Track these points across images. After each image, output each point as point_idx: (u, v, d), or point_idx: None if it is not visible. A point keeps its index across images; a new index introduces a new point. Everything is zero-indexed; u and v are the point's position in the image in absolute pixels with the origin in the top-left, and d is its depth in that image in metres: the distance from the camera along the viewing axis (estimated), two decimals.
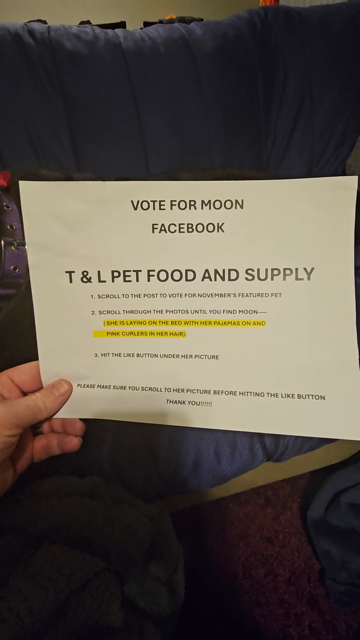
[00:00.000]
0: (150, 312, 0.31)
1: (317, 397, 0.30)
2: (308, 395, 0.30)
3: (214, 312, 0.31)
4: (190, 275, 0.31)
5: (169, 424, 0.32)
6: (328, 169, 1.03)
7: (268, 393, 0.30)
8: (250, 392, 0.31)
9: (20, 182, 0.30)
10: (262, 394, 0.31)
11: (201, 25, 0.89)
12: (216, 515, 0.81)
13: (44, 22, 0.94)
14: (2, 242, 0.34)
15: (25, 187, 0.30)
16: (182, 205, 0.30)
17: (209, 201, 0.30)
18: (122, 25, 2.14)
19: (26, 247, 0.31)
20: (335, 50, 0.95)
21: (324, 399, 0.30)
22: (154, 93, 0.84)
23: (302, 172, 1.01)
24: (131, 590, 0.46)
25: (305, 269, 0.30)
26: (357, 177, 0.29)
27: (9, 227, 0.35)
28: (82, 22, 2.46)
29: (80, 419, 0.33)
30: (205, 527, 0.79)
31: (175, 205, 0.30)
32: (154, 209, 0.30)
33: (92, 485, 0.40)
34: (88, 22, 2.45)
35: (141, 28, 2.17)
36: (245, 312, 0.30)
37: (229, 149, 0.93)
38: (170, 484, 0.46)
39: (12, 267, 0.35)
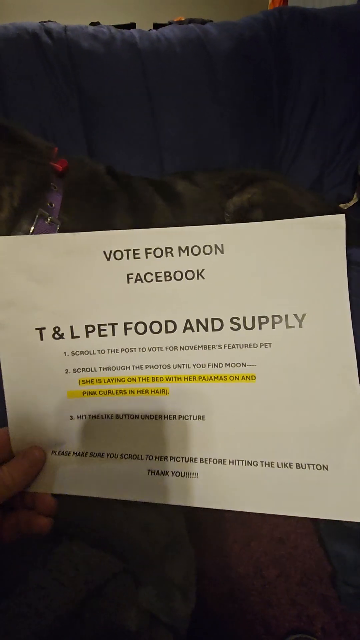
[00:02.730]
0: (128, 368, 0.29)
1: (318, 467, 0.26)
2: (308, 464, 0.26)
3: (198, 366, 0.28)
4: (170, 326, 0.28)
5: (150, 500, 0.28)
6: (340, 170, 1.03)
7: (262, 462, 0.27)
8: (242, 461, 0.27)
9: None
10: (254, 463, 0.27)
11: (217, 26, 0.90)
12: (227, 515, 0.80)
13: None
14: (38, 213, 0.35)
15: None
16: (158, 252, 0.28)
17: (187, 247, 0.28)
18: (132, 26, 2.15)
19: None
20: (351, 51, 0.96)
21: (327, 469, 0.26)
22: (169, 93, 0.85)
23: (315, 173, 1.01)
24: (147, 593, 0.46)
25: (296, 315, 0.27)
26: (344, 215, 0.27)
27: (48, 204, 0.35)
28: (91, 24, 2.47)
29: (53, 495, 0.29)
30: (216, 527, 0.79)
31: (150, 253, 0.28)
32: (127, 258, 0.28)
33: None
34: (97, 24, 2.46)
35: (150, 30, 2.18)
36: (233, 365, 0.28)
37: (243, 149, 0.94)
38: None
39: None
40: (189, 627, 0.59)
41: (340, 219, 0.27)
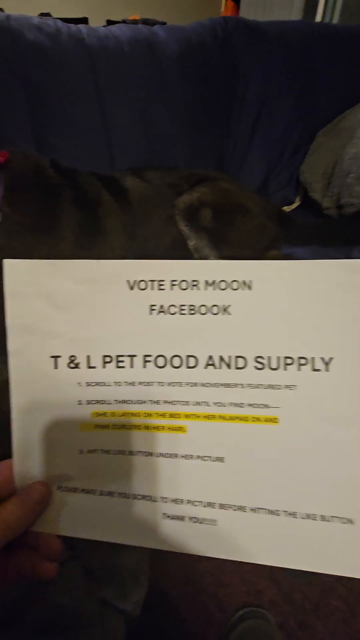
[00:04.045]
0: (145, 402, 0.28)
1: (344, 521, 0.25)
2: (333, 517, 0.25)
3: (219, 404, 0.27)
4: (191, 361, 0.27)
5: (164, 548, 0.26)
6: (284, 175, 1.10)
7: (284, 511, 0.25)
8: (263, 509, 0.26)
9: (5, 261, 0.28)
10: (277, 512, 0.25)
11: (165, 29, 0.92)
12: None
13: (1, 10, 0.91)
14: None
15: (11, 266, 0.28)
16: (184, 285, 0.27)
17: (214, 281, 0.27)
18: (84, 21, 2.11)
19: (7, 330, 0.28)
20: (292, 63, 1.03)
21: (352, 523, 0.25)
22: (118, 91, 0.85)
23: (261, 176, 1.07)
24: (96, 579, 0.47)
25: (322, 358, 0.26)
26: None
27: None
28: (42, 14, 2.39)
29: (59, 536, 0.27)
30: None
31: (176, 285, 0.27)
32: (152, 289, 0.28)
33: None
34: (48, 15, 2.38)
35: (104, 26, 2.16)
36: (255, 405, 0.27)
37: (194, 150, 0.97)
38: None
39: None
40: (143, 611, 0.60)
41: None
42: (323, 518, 0.25)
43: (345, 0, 2.12)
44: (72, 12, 2.23)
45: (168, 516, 0.26)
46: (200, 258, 0.74)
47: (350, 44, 1.09)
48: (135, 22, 2.19)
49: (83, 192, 0.58)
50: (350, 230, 0.86)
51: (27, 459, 0.28)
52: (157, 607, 0.68)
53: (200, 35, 0.92)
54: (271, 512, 0.26)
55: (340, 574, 0.25)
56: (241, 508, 0.26)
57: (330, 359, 0.26)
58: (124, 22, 2.19)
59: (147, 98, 0.88)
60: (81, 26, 0.87)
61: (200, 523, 0.26)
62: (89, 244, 0.56)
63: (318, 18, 2.14)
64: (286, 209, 1.11)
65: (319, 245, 0.85)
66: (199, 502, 0.26)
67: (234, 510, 0.26)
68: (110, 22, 2.20)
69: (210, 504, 0.26)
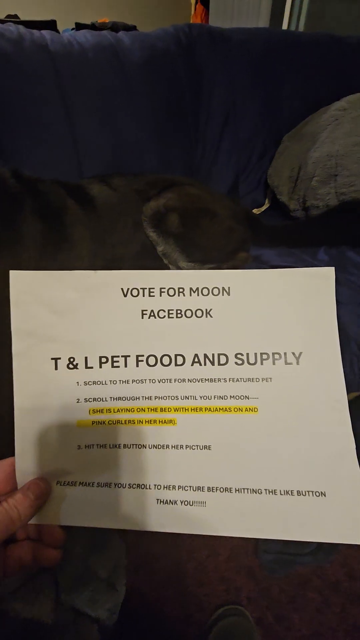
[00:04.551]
0: (138, 398, 0.30)
1: (317, 494, 0.28)
2: (308, 491, 0.28)
3: (205, 397, 0.30)
4: (179, 360, 0.30)
5: (160, 530, 0.29)
6: (253, 178, 1.12)
7: (266, 490, 0.28)
8: (247, 489, 0.29)
9: (11, 272, 0.30)
10: (259, 491, 0.28)
11: (129, 36, 0.92)
12: None
13: None
14: None
15: (16, 277, 0.30)
16: (172, 292, 0.31)
17: (197, 288, 0.31)
18: (52, 24, 2.09)
19: (12, 335, 0.30)
20: (256, 69, 1.05)
21: (324, 495, 0.28)
22: (84, 97, 0.85)
23: (230, 180, 1.09)
24: (67, 588, 0.47)
25: (293, 353, 0.30)
26: (333, 267, 0.31)
27: None
28: (8, 15, 2.33)
29: (60, 526, 0.29)
30: None
31: (164, 292, 0.31)
32: (143, 295, 0.31)
33: None
34: (15, 16, 2.34)
35: (73, 28, 2.14)
36: (237, 397, 0.30)
37: (162, 156, 0.98)
38: None
39: None
40: (122, 615, 0.60)
41: (330, 271, 0.31)
42: (300, 493, 0.28)
43: (309, 7, 2.18)
44: (40, 15, 2.19)
45: (161, 501, 0.29)
46: (169, 263, 0.75)
47: (311, 51, 1.12)
48: (104, 25, 2.18)
49: (46, 202, 0.58)
50: (315, 231, 0.89)
51: (28, 456, 0.30)
52: (136, 611, 0.68)
53: (164, 42, 0.93)
54: (254, 491, 0.29)
55: (317, 541, 0.28)
56: (227, 489, 0.29)
57: (300, 353, 0.30)
58: (93, 25, 2.19)
59: (114, 104, 0.89)
60: (45, 32, 0.86)
61: (191, 505, 0.29)
62: (54, 253, 0.55)
63: (284, 24, 2.20)
64: (256, 211, 1.14)
65: (286, 247, 0.88)
66: (189, 487, 0.29)
67: (221, 492, 0.29)
68: (79, 25, 2.18)
69: (199, 488, 0.29)
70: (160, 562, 0.76)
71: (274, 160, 1.10)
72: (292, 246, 0.88)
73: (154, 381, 0.30)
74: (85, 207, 0.65)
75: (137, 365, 0.30)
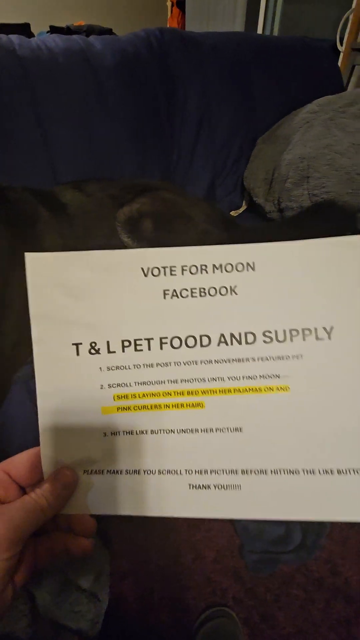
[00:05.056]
0: (164, 382, 0.29)
1: (357, 472, 0.27)
2: (348, 470, 0.27)
3: (233, 378, 0.29)
4: (205, 340, 0.29)
5: (195, 515, 0.28)
6: (229, 181, 1.13)
7: (303, 470, 0.28)
8: (283, 470, 0.28)
9: (26, 254, 0.29)
10: (296, 472, 0.28)
11: (100, 40, 0.92)
12: None
13: None
14: None
15: (31, 259, 0.29)
16: (194, 269, 0.29)
17: (220, 265, 0.29)
18: (26, 27, 2.06)
19: (31, 320, 0.29)
20: (228, 74, 1.06)
21: None
22: (56, 102, 0.85)
23: (207, 183, 1.10)
24: (44, 603, 0.47)
25: (324, 328, 0.29)
26: None
27: None
28: None
29: (91, 515, 0.28)
30: (136, 524, 0.81)
31: (186, 270, 0.29)
32: (164, 274, 0.29)
33: None
34: None
35: (48, 31, 2.11)
36: (267, 377, 0.29)
37: (139, 160, 0.97)
38: None
39: None
40: (107, 624, 0.60)
41: (358, 240, 0.29)
42: (340, 472, 0.27)
43: (283, 11, 2.22)
44: (13, 17, 2.17)
45: (194, 486, 0.28)
46: None
47: (283, 55, 1.14)
48: (79, 28, 2.17)
49: (16, 210, 0.57)
50: (290, 232, 0.91)
51: (53, 446, 0.29)
52: (122, 620, 0.68)
53: (135, 46, 0.93)
54: (291, 471, 0.28)
55: (358, 520, 0.27)
56: (263, 471, 0.28)
57: (332, 327, 0.29)
58: (68, 28, 2.17)
59: (86, 109, 0.88)
60: (12, 37, 0.85)
61: (225, 489, 0.28)
62: (24, 263, 0.55)
63: (259, 28, 2.23)
64: (234, 213, 1.15)
65: None
66: (222, 470, 0.28)
67: (256, 474, 0.28)
68: (53, 28, 2.17)
69: (233, 471, 0.28)
70: (145, 568, 0.76)
71: (249, 162, 1.11)
72: None
73: (179, 364, 0.29)
74: (58, 214, 0.65)
75: (162, 348, 0.29)
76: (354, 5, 1.62)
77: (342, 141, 0.87)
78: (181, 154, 1.05)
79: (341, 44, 1.70)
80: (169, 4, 2.84)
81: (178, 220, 0.76)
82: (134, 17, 2.93)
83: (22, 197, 0.61)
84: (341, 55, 1.69)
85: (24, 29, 2.07)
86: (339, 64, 1.65)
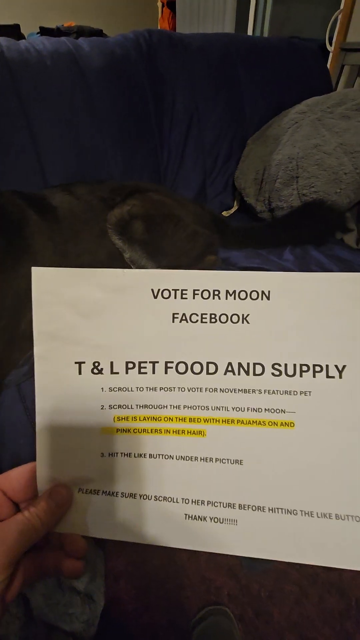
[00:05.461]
0: (166, 407, 0.28)
1: (357, 519, 0.26)
2: (347, 516, 0.26)
3: (238, 409, 0.28)
4: (211, 368, 0.29)
5: (189, 548, 0.27)
6: (220, 181, 1.14)
7: (302, 511, 0.26)
8: (281, 509, 0.27)
9: (33, 268, 0.28)
10: (294, 512, 0.27)
11: (89, 42, 0.92)
12: None
13: None
14: None
15: (38, 274, 0.28)
16: (206, 294, 0.29)
17: (234, 291, 0.29)
18: (15, 28, 2.06)
19: (34, 337, 0.29)
20: (216, 75, 1.07)
21: None
22: (45, 104, 0.85)
23: (198, 184, 1.10)
24: (38, 605, 0.47)
25: (336, 366, 0.28)
26: None
27: None
28: None
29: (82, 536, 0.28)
30: None
31: (198, 294, 0.29)
32: (175, 297, 0.29)
33: None
34: None
35: (38, 33, 2.10)
36: (272, 410, 0.28)
37: (127, 162, 0.98)
38: None
39: None
40: (103, 625, 0.60)
41: None
42: (338, 517, 0.26)
43: (273, 12, 2.23)
44: (2, 19, 2.16)
45: (190, 517, 0.27)
46: (138, 269, 0.75)
47: (270, 56, 1.15)
48: (70, 29, 2.16)
49: (4, 214, 0.57)
50: (280, 232, 0.92)
51: (49, 462, 0.28)
52: (117, 621, 0.68)
53: (124, 48, 0.94)
54: (289, 511, 0.27)
55: (352, 568, 0.26)
56: (260, 508, 0.27)
57: (344, 366, 0.28)
58: (58, 29, 2.16)
59: (75, 111, 0.88)
60: (0, 39, 0.85)
61: (221, 523, 0.27)
62: (14, 265, 0.55)
63: (249, 29, 2.24)
64: (225, 213, 1.15)
65: (253, 248, 0.90)
66: (219, 502, 0.27)
67: (254, 510, 0.27)
68: (43, 30, 2.16)
69: (230, 505, 0.27)
70: (141, 569, 0.76)
71: (240, 162, 1.12)
72: (259, 247, 0.90)
73: (183, 389, 0.29)
74: (47, 217, 0.65)
75: (166, 372, 0.29)
76: (342, 6, 1.64)
77: (329, 141, 0.88)
78: (171, 155, 1.05)
79: (330, 44, 1.71)
80: (159, 4, 2.85)
81: (168, 222, 0.76)
82: (124, 17, 2.93)
83: (10, 200, 0.61)
84: (330, 55, 1.71)
85: (13, 30, 2.07)
86: (329, 63, 1.67)
